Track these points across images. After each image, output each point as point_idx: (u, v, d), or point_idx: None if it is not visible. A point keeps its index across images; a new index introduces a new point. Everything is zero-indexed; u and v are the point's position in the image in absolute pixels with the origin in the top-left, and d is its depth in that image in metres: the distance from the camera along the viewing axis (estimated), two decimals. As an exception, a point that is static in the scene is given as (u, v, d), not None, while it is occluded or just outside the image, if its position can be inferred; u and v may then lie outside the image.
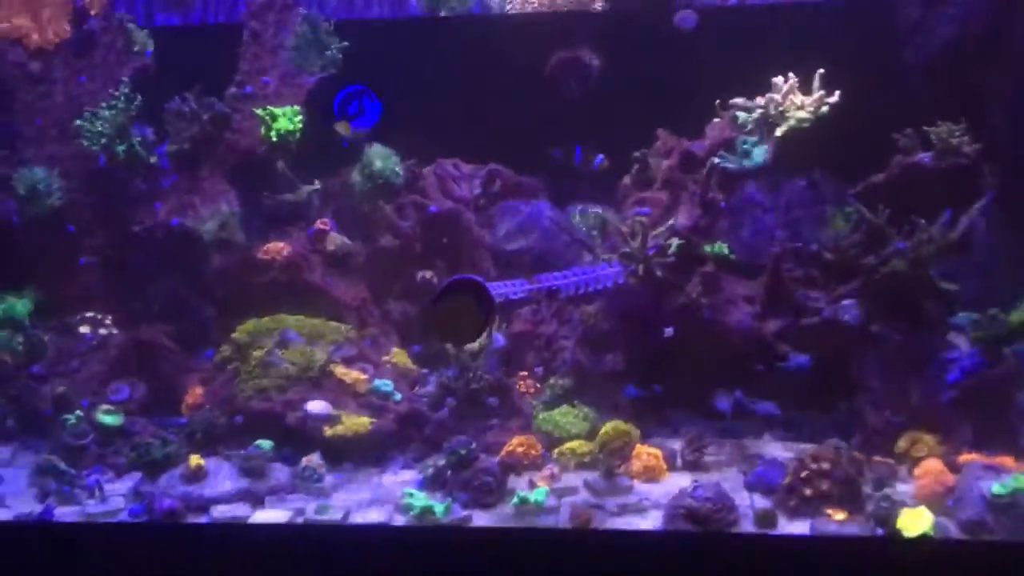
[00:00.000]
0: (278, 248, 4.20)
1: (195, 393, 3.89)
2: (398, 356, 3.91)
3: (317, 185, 4.44)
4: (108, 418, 3.67)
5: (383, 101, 3.55)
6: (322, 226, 4.26)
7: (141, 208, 4.29)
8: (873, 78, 3.89)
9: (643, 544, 2.93)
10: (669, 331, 3.31)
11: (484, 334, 2.83)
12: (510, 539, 2.99)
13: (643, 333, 3.60)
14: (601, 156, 4.31)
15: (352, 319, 4.16)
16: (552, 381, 3.75)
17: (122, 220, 4.29)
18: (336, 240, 4.25)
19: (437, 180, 4.46)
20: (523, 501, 3.16)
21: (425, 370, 3.95)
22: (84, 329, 4.04)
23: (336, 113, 3.56)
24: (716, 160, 3.59)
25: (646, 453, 3.38)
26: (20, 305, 4.25)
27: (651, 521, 3.09)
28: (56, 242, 4.26)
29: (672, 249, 3.44)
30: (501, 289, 3.15)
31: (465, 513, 3.16)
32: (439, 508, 3.12)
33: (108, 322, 4.12)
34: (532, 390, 3.78)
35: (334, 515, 3.19)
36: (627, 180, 4.00)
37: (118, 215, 4.31)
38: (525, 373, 3.84)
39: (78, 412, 3.61)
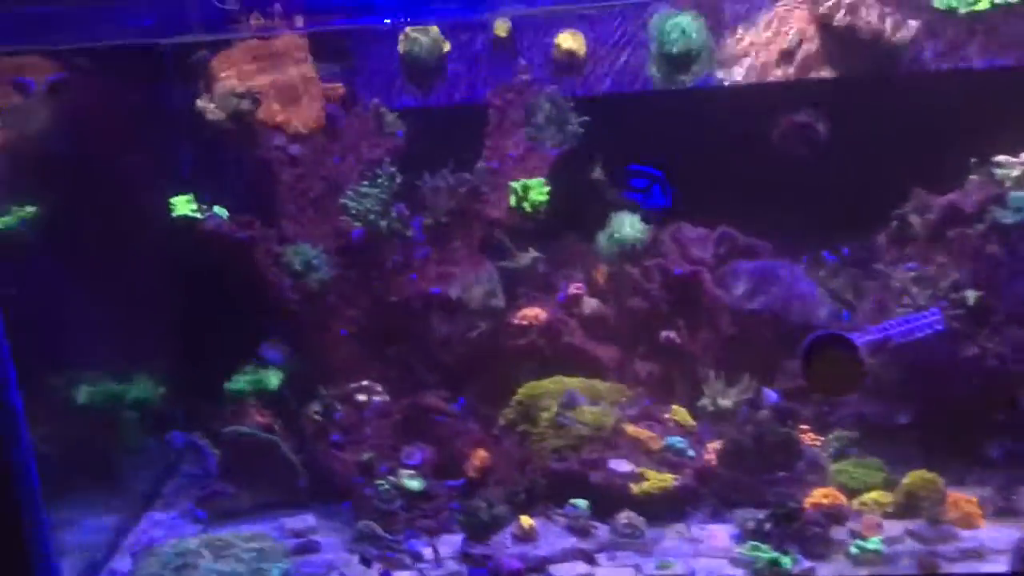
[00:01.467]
0: (534, 313, 4.37)
1: (480, 455, 4.01)
2: (678, 413, 4.04)
3: (535, 253, 4.63)
4: (412, 482, 3.80)
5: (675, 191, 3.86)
6: (576, 291, 4.44)
7: (397, 279, 4.49)
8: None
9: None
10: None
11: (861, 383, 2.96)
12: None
13: (935, 385, 3.73)
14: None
15: (612, 380, 4.31)
16: (837, 434, 3.88)
17: (380, 291, 4.49)
18: (591, 304, 4.42)
19: (675, 243, 4.64)
20: (862, 550, 3.26)
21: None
22: (361, 397, 4.20)
23: (621, 182, 3.85)
24: (995, 215, 3.76)
25: (963, 500, 3.49)
26: (273, 377, 4.44)
27: (995, 565, 3.20)
28: (319, 314, 4.45)
29: (971, 302, 3.59)
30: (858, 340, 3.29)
31: (808, 564, 3.27)
32: (786, 560, 3.22)
33: (379, 389, 4.28)
34: (818, 443, 3.90)
35: (676, 570, 3.30)
36: (882, 238, 4.17)
37: (375, 287, 4.50)
38: (806, 427, 3.97)
39: (390, 477, 3.75)
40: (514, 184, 4.45)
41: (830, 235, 4.69)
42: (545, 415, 3.94)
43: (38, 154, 4.04)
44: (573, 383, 4.06)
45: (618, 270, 4.49)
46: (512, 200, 4.47)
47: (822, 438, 3.91)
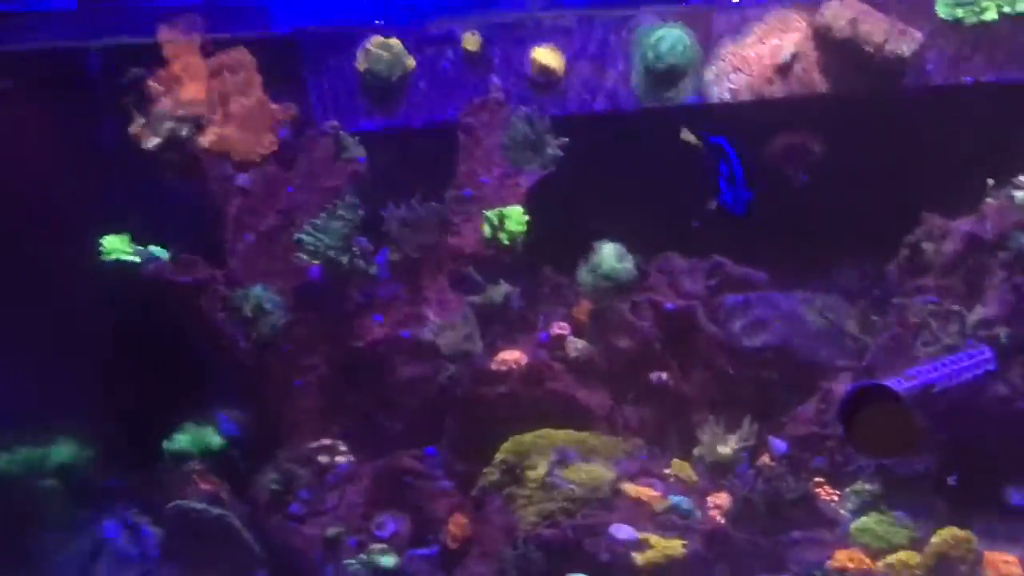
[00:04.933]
0: (514, 357, 3.94)
1: (458, 523, 3.57)
2: (680, 467, 3.65)
3: (508, 287, 4.22)
4: (385, 559, 3.35)
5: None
6: (560, 331, 4.02)
7: (359, 322, 4.04)
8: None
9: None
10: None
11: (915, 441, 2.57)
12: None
13: (958, 430, 3.40)
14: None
15: (602, 430, 3.90)
16: (858, 486, 3.52)
17: (341, 336, 4.03)
18: (576, 345, 4.00)
19: (663, 275, 4.26)
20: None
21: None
22: (324, 459, 3.72)
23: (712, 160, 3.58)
24: (1019, 241, 3.45)
25: (1001, 561, 3.15)
26: (216, 435, 3.95)
27: (1052, 640, 2.86)
28: (272, 364, 3.98)
29: (1002, 339, 3.27)
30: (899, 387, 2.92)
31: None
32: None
33: (343, 449, 3.81)
34: (835, 497, 3.54)
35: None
36: (893, 266, 3.85)
37: (335, 331, 4.04)
38: (821, 479, 3.60)
39: (360, 555, 3.29)
40: (489, 213, 4.04)
41: (830, 263, 4.40)
42: (533, 475, 3.51)
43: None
44: (562, 436, 3.65)
45: (603, 306, 4.11)
46: (487, 231, 4.05)
47: (839, 492, 3.56)
